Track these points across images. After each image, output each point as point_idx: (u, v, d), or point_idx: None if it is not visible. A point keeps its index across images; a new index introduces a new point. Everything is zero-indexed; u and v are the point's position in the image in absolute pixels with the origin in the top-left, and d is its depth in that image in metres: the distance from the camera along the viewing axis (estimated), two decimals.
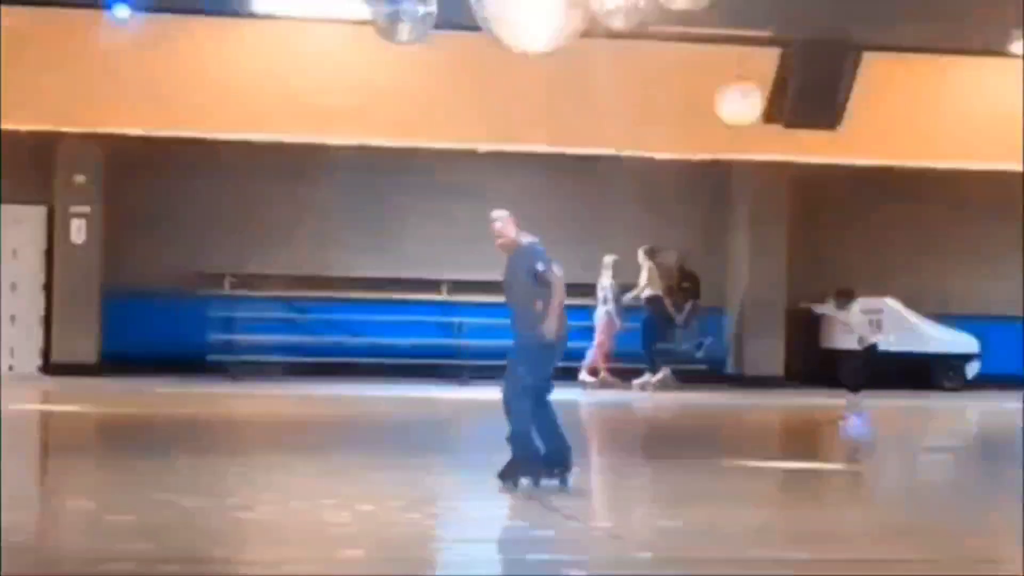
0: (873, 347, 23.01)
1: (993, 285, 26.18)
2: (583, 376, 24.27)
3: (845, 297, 23.13)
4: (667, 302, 25.18)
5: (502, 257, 13.63)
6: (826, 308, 23.99)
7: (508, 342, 12.27)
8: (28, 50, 21.10)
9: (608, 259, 24.33)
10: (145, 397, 20.79)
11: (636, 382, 24.05)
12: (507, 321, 12.65)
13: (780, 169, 24.57)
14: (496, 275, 24.84)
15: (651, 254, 24.49)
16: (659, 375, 24.27)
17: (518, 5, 11.54)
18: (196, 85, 22.29)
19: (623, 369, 24.40)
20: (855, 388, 22.71)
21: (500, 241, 13.24)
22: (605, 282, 24.36)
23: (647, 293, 24.49)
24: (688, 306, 25.29)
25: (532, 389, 12.53)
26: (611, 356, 24.56)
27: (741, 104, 21.13)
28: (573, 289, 24.70)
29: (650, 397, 23.39)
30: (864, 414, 21.29)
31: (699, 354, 25.54)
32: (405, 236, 25.04)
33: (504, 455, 12.56)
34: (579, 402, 22.80)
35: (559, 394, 21.00)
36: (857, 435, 19.76)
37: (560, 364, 12.99)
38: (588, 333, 24.61)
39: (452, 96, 22.54)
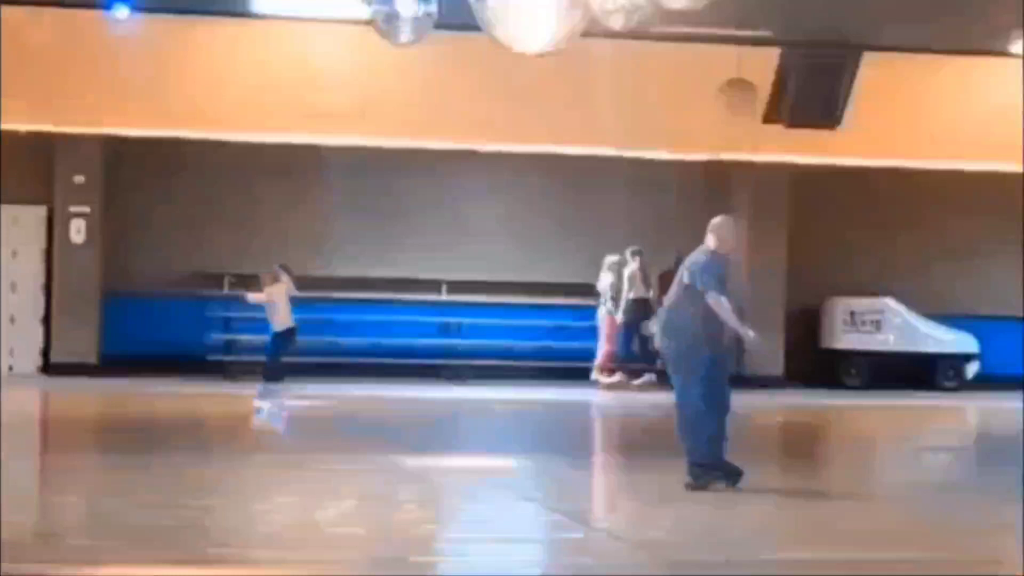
0: (291, 331, 21.45)
1: (993, 285, 26.19)
2: (595, 376, 24.32)
3: (272, 277, 21.26)
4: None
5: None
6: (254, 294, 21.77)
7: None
8: (28, 50, 21.10)
9: (608, 259, 24.35)
10: (145, 397, 20.79)
11: (635, 383, 24.08)
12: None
13: (780, 169, 24.57)
14: (494, 276, 25.07)
15: (638, 256, 24.47)
16: (647, 377, 24.25)
17: (518, 5, 11.54)
18: (196, 85, 22.29)
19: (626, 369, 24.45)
20: (273, 378, 21.40)
21: (727, 247, 13.35)
22: (606, 282, 24.37)
23: (633, 295, 24.45)
24: None
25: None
26: (614, 356, 24.59)
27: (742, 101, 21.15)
28: (576, 289, 25.00)
29: (616, 396, 23.38)
30: (278, 403, 20.36)
31: None
32: (405, 236, 25.03)
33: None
34: (582, 402, 22.84)
35: (568, 394, 21.00)
36: (270, 421, 19.29)
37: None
38: (591, 333, 24.67)
39: (452, 96, 22.54)
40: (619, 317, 24.37)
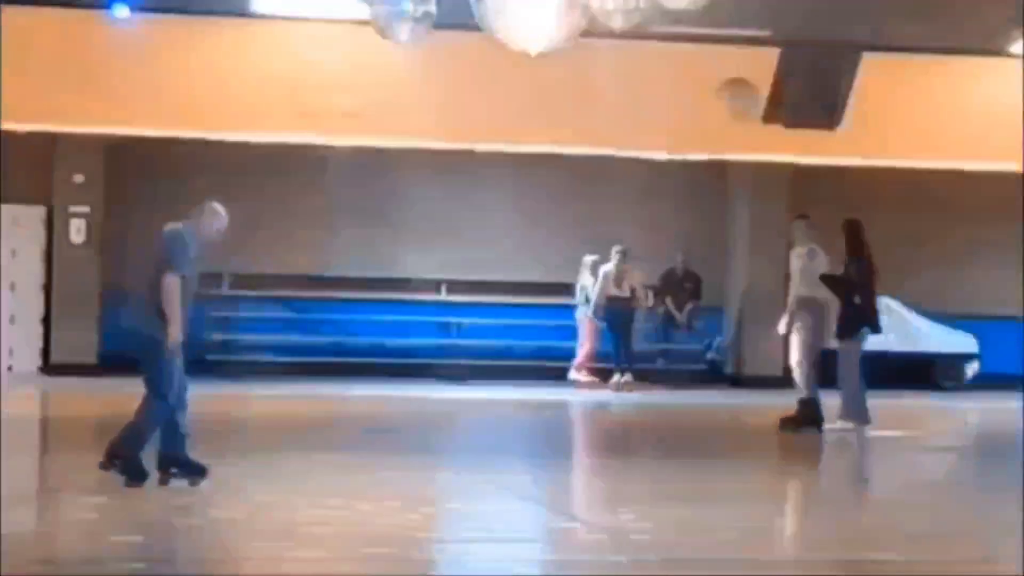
0: None
1: (993, 285, 26.19)
2: (573, 375, 24.38)
3: None
4: (669, 303, 25.28)
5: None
6: None
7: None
8: (28, 50, 21.09)
9: (588, 259, 24.41)
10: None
11: (611, 382, 24.11)
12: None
13: (780, 169, 24.58)
14: (493, 276, 25.08)
15: (620, 254, 24.50)
16: (624, 376, 24.25)
17: (518, 5, 11.54)
18: (196, 85, 22.28)
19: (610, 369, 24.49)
20: None
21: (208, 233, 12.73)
22: (585, 281, 24.43)
23: (614, 293, 24.47)
24: (689, 307, 25.34)
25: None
26: (594, 356, 24.65)
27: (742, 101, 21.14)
28: (575, 289, 24.99)
29: (618, 396, 23.40)
30: None
31: (711, 354, 25.54)
32: (405, 236, 25.04)
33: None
34: (573, 402, 22.85)
35: (568, 394, 21.07)
36: None
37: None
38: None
39: (452, 96, 22.54)
40: (589, 314, 24.47)
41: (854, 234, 18.20)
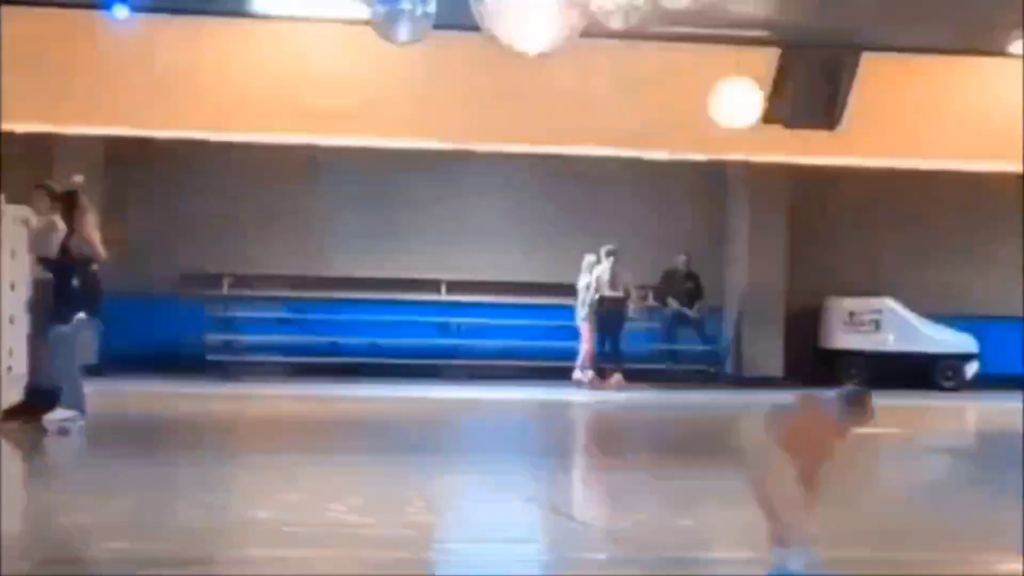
0: None
1: (993, 285, 26.19)
2: (577, 375, 24.37)
3: None
4: (672, 302, 25.31)
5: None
6: None
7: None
8: (28, 50, 21.09)
9: (588, 259, 24.44)
10: (145, 397, 20.77)
11: (609, 381, 24.12)
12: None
13: (780, 169, 24.59)
14: (493, 276, 25.06)
15: (612, 256, 24.51)
16: (615, 376, 24.25)
17: (517, 5, 11.54)
18: (196, 85, 22.28)
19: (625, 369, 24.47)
20: None
21: None
22: (585, 281, 24.46)
23: (608, 293, 24.46)
24: (698, 304, 25.42)
25: None
26: (596, 356, 24.66)
27: (739, 104, 21.10)
28: (575, 289, 24.97)
29: (617, 395, 23.42)
30: None
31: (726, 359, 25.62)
32: (404, 236, 25.04)
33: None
34: (573, 402, 22.84)
35: (567, 394, 21.15)
36: None
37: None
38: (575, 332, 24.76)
39: (452, 96, 22.54)
40: (584, 314, 24.51)
41: (71, 206, 16.41)
